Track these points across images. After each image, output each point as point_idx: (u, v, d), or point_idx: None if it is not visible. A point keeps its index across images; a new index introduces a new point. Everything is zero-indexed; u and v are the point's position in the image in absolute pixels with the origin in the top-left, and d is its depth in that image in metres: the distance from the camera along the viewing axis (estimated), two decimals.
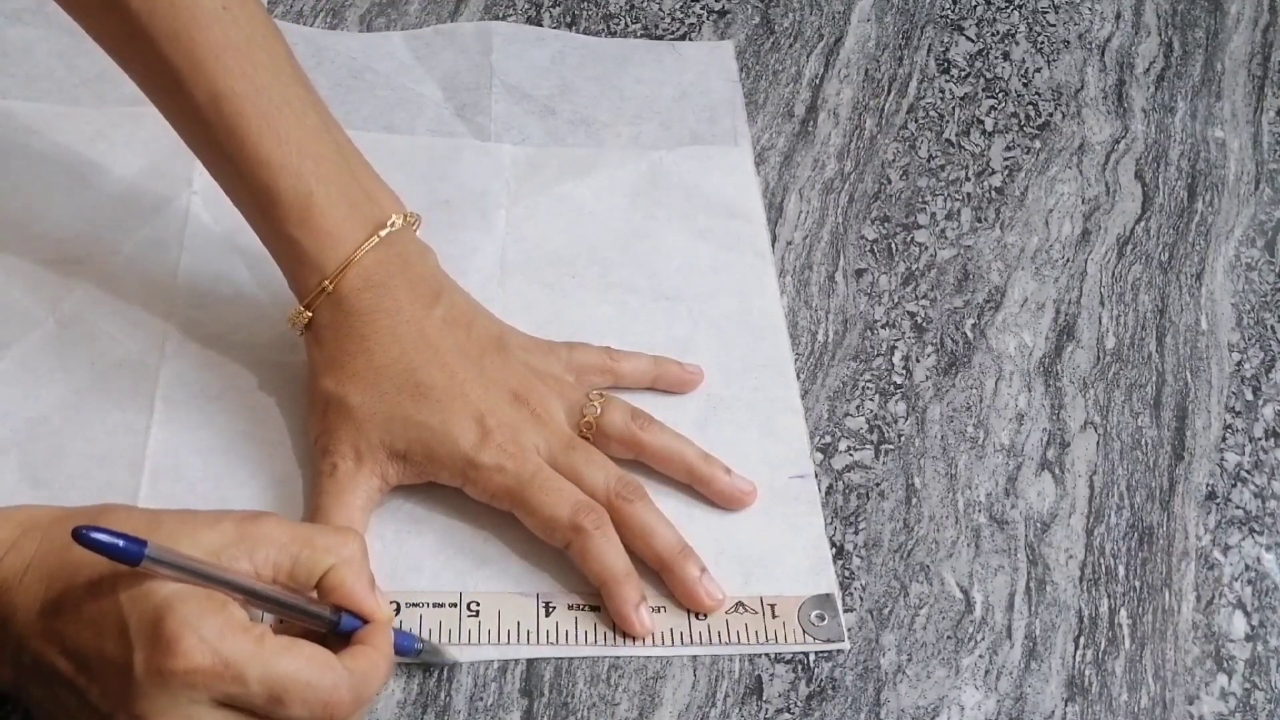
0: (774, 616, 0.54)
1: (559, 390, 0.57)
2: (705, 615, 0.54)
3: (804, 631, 0.54)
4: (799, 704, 0.53)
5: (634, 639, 0.53)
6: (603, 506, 0.54)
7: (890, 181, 0.73)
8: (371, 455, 0.54)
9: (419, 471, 0.55)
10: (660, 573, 0.55)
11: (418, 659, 0.51)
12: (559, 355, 0.59)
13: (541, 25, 0.78)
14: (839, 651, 0.54)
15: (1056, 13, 0.85)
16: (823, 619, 0.55)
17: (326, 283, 0.54)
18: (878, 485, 0.60)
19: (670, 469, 0.58)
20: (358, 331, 0.55)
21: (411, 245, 0.57)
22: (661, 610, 0.54)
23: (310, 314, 0.55)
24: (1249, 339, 0.68)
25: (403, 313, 0.55)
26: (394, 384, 0.54)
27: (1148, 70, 0.82)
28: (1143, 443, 0.63)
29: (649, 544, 0.54)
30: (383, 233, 0.55)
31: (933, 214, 0.72)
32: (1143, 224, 0.73)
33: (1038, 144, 0.77)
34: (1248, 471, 0.63)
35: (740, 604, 0.55)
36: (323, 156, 0.55)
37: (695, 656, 0.53)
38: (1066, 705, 0.54)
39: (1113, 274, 0.70)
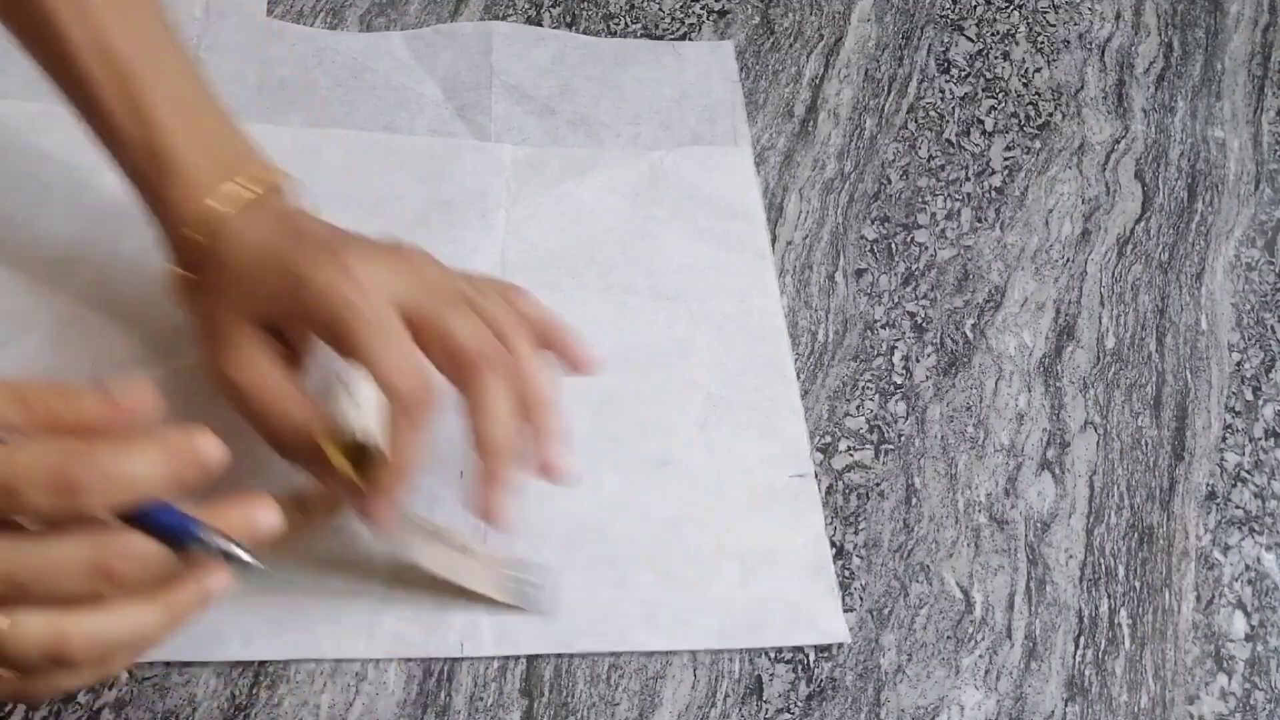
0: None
1: (443, 269, 0.52)
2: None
3: None
4: (799, 704, 0.53)
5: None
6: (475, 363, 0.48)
7: (890, 181, 0.73)
8: (245, 336, 0.49)
9: (285, 329, 0.50)
10: (486, 461, 0.49)
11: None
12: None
13: (541, 25, 0.78)
14: (839, 651, 0.54)
15: (1056, 13, 0.85)
16: None
17: (194, 235, 0.51)
18: (878, 485, 0.60)
19: (539, 330, 0.53)
20: (223, 261, 0.50)
21: (281, 201, 0.53)
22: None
23: (182, 272, 0.52)
24: (1249, 339, 0.68)
25: (269, 239, 0.50)
26: (255, 258, 0.49)
27: (1148, 70, 0.82)
28: (1143, 443, 0.63)
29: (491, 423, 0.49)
30: (247, 193, 0.52)
31: (933, 214, 0.72)
32: (1143, 224, 0.73)
33: (1038, 144, 0.77)
34: (1248, 471, 0.63)
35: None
36: (190, 112, 0.54)
37: (695, 656, 0.53)
38: (1066, 705, 0.54)
39: (1113, 274, 0.70)
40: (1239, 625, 0.57)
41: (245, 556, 0.40)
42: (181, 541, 0.39)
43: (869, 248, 0.70)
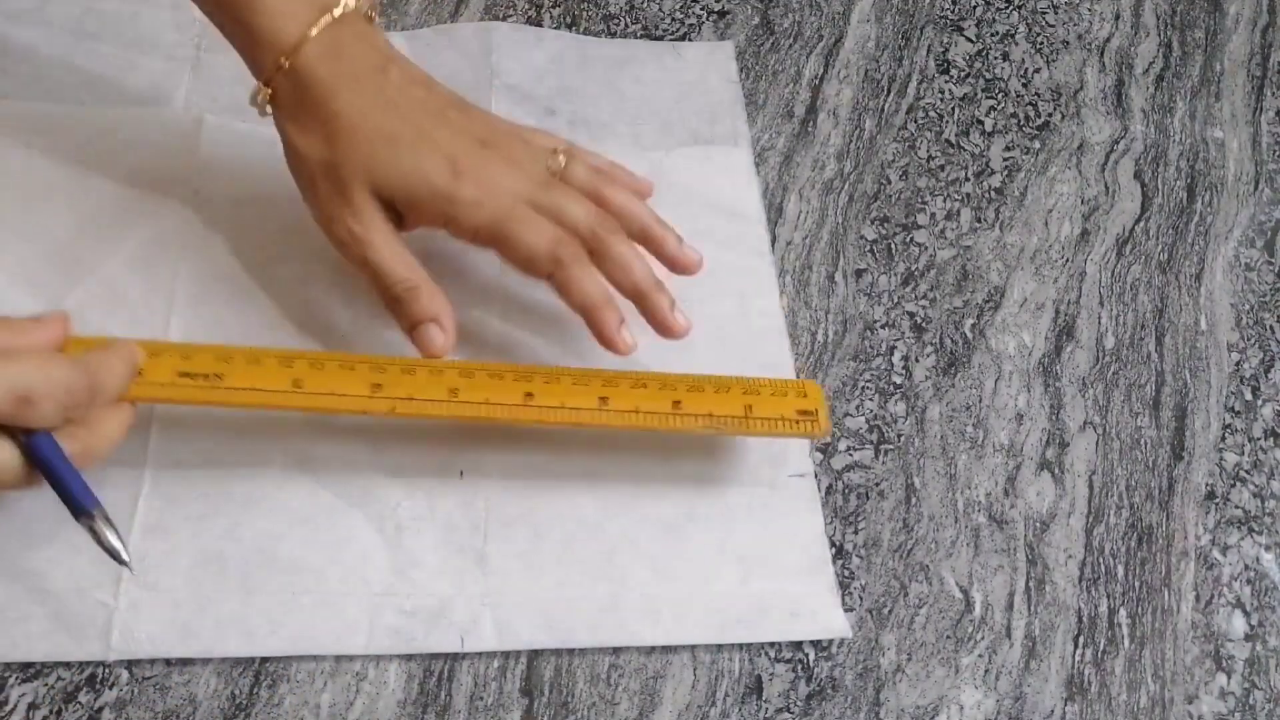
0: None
1: (522, 143, 0.60)
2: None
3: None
4: (799, 703, 0.53)
5: (619, 355, 0.57)
6: (580, 241, 0.56)
7: (890, 182, 0.73)
8: (367, 204, 0.56)
9: (408, 218, 0.57)
10: (635, 302, 0.58)
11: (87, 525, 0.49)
12: (545, 136, 0.62)
13: (541, 26, 0.78)
14: (839, 650, 0.54)
15: (1056, 13, 0.85)
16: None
17: (283, 59, 0.56)
18: (877, 485, 0.60)
19: (626, 225, 0.60)
20: (322, 97, 0.57)
21: (360, 23, 0.59)
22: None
23: (270, 90, 0.57)
24: (1248, 339, 0.68)
25: (361, 78, 0.57)
26: (366, 136, 0.56)
27: (1147, 71, 0.82)
28: (1142, 442, 0.63)
29: (627, 276, 0.57)
30: (336, 12, 0.57)
31: (932, 214, 0.72)
32: (1142, 224, 0.73)
33: (1037, 144, 0.77)
34: (1247, 471, 0.63)
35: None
36: None
37: (695, 655, 0.53)
38: (1066, 705, 0.54)
39: (1112, 274, 0.70)
40: (1238, 625, 0.57)
41: (121, 554, 0.48)
42: (76, 508, 0.48)
43: (869, 248, 0.70)
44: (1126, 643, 0.56)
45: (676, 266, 0.60)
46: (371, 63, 0.58)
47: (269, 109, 0.58)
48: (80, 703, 0.50)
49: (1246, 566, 0.59)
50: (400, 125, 0.57)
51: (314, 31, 0.56)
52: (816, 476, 0.60)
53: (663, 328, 0.59)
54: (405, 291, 0.56)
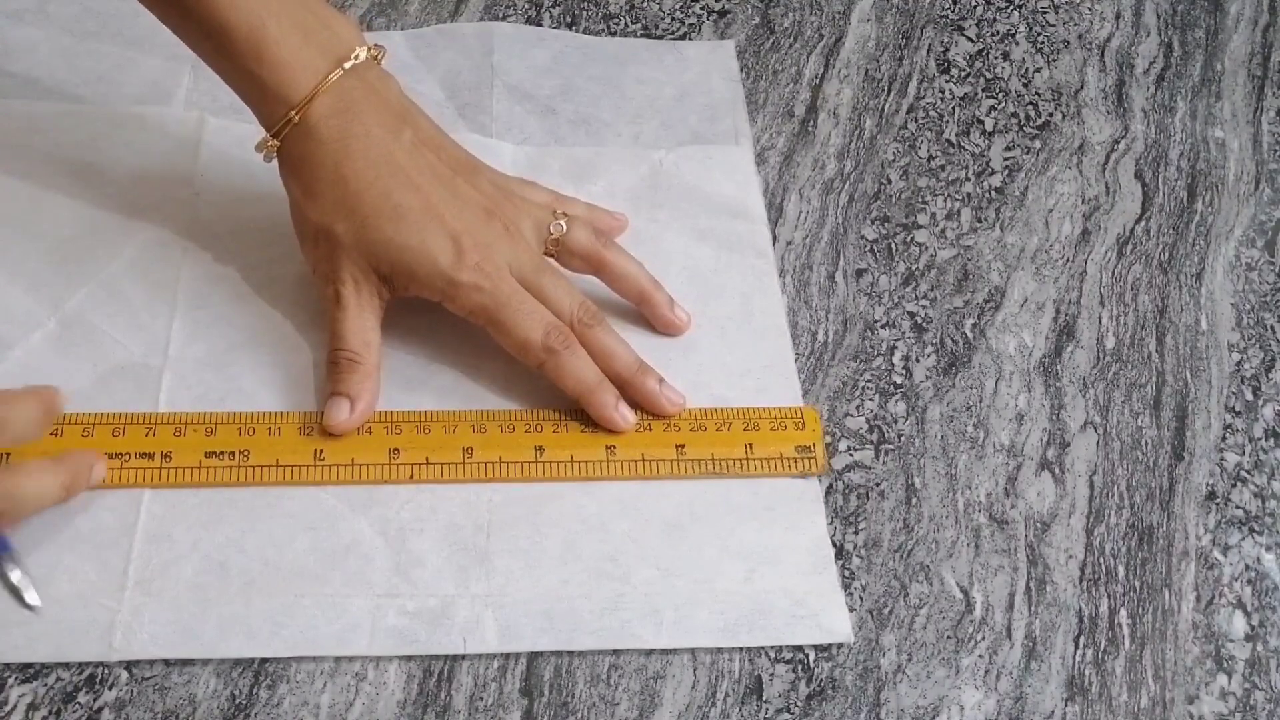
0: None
1: (527, 209, 0.61)
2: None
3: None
4: (799, 704, 0.53)
5: (619, 433, 0.58)
6: (568, 328, 0.58)
7: (890, 181, 0.73)
8: (365, 277, 0.57)
9: (405, 289, 0.58)
10: (623, 389, 0.59)
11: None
12: (539, 191, 0.64)
13: (541, 25, 0.78)
14: (839, 651, 0.54)
15: (1056, 13, 0.85)
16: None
17: (293, 113, 0.56)
18: (878, 485, 0.60)
19: (624, 288, 0.63)
20: (331, 159, 0.57)
21: (373, 73, 0.59)
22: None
23: (278, 143, 0.57)
24: (1249, 339, 0.68)
25: (373, 137, 0.57)
26: (372, 208, 0.56)
27: (1148, 70, 0.82)
28: (1143, 443, 0.63)
29: (610, 365, 0.59)
30: (347, 65, 0.57)
31: (933, 214, 0.72)
32: (1142, 224, 0.73)
33: (1038, 144, 0.77)
34: (1248, 471, 0.63)
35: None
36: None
37: (695, 656, 0.53)
38: (1066, 705, 0.54)
39: (1113, 274, 0.70)
40: (1239, 625, 0.57)
41: (26, 596, 0.51)
42: None
43: (869, 248, 0.70)
44: (1127, 643, 0.56)
45: (669, 329, 0.63)
46: (384, 123, 0.58)
47: (274, 158, 0.58)
48: (79, 703, 0.50)
49: (1247, 567, 0.59)
50: (408, 197, 0.57)
51: (326, 85, 0.56)
52: (818, 476, 0.60)
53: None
54: (345, 361, 0.57)
